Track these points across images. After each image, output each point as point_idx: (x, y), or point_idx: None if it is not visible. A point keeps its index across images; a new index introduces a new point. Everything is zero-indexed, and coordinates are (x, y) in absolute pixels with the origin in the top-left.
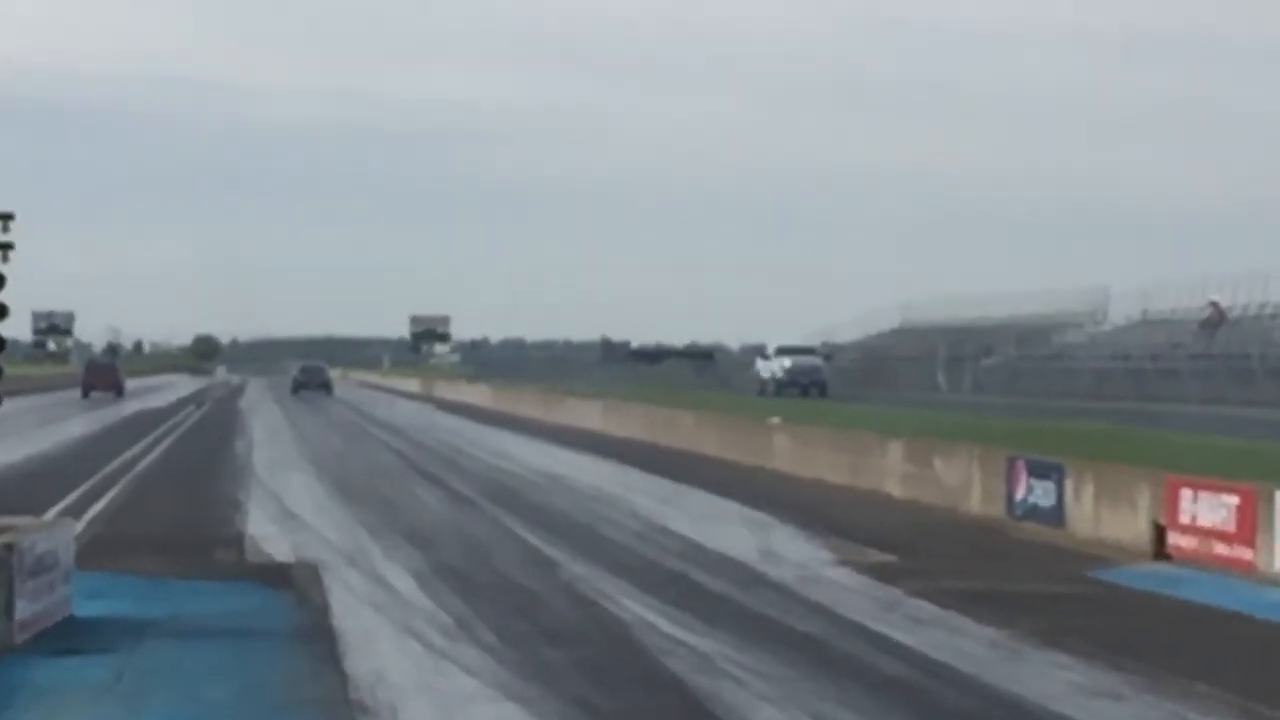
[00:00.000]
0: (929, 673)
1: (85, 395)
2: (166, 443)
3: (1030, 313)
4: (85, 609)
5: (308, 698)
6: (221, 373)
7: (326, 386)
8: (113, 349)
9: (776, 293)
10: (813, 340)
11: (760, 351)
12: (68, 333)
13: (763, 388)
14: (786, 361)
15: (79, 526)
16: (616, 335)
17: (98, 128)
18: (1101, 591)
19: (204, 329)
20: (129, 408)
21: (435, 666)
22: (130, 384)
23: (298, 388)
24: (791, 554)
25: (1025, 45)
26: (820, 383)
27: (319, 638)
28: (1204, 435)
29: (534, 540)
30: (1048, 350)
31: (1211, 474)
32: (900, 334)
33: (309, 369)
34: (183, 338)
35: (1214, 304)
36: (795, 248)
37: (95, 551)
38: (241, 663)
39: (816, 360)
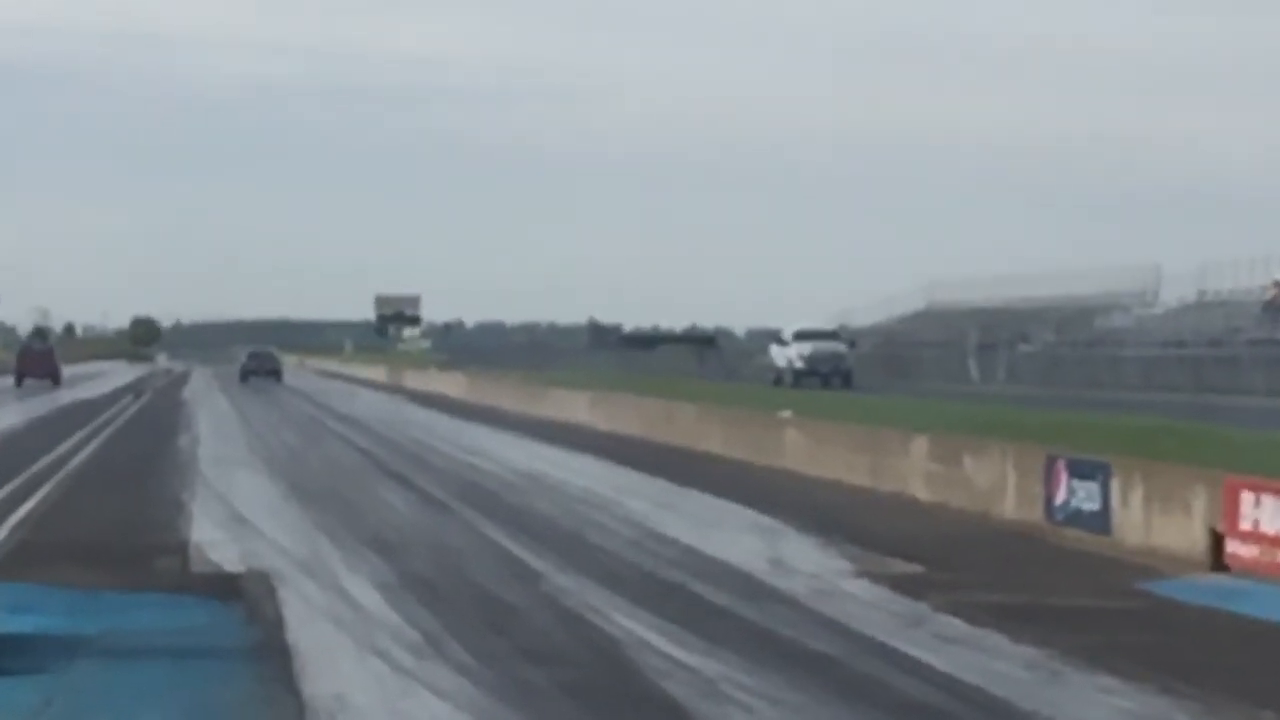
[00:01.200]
0: (958, 697)
1: (19, 383)
2: (102, 437)
3: (1072, 294)
4: (9, 624)
5: None
6: (163, 360)
7: (276, 374)
8: (41, 332)
9: (786, 271)
10: (827, 325)
11: (775, 336)
12: None
13: (778, 377)
14: (806, 348)
15: (2, 533)
16: (606, 318)
17: (23, 85)
18: (1152, 606)
19: (143, 310)
20: (59, 398)
21: (402, 688)
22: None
23: (246, 375)
24: (804, 564)
25: None
26: (844, 372)
27: (272, 656)
28: (1267, 431)
29: (514, 548)
30: (1091, 336)
31: (1276, 475)
32: (925, 317)
33: (257, 355)
34: (119, 320)
35: (1278, 284)
36: (807, 220)
37: (21, 560)
38: (186, 684)
39: (840, 346)
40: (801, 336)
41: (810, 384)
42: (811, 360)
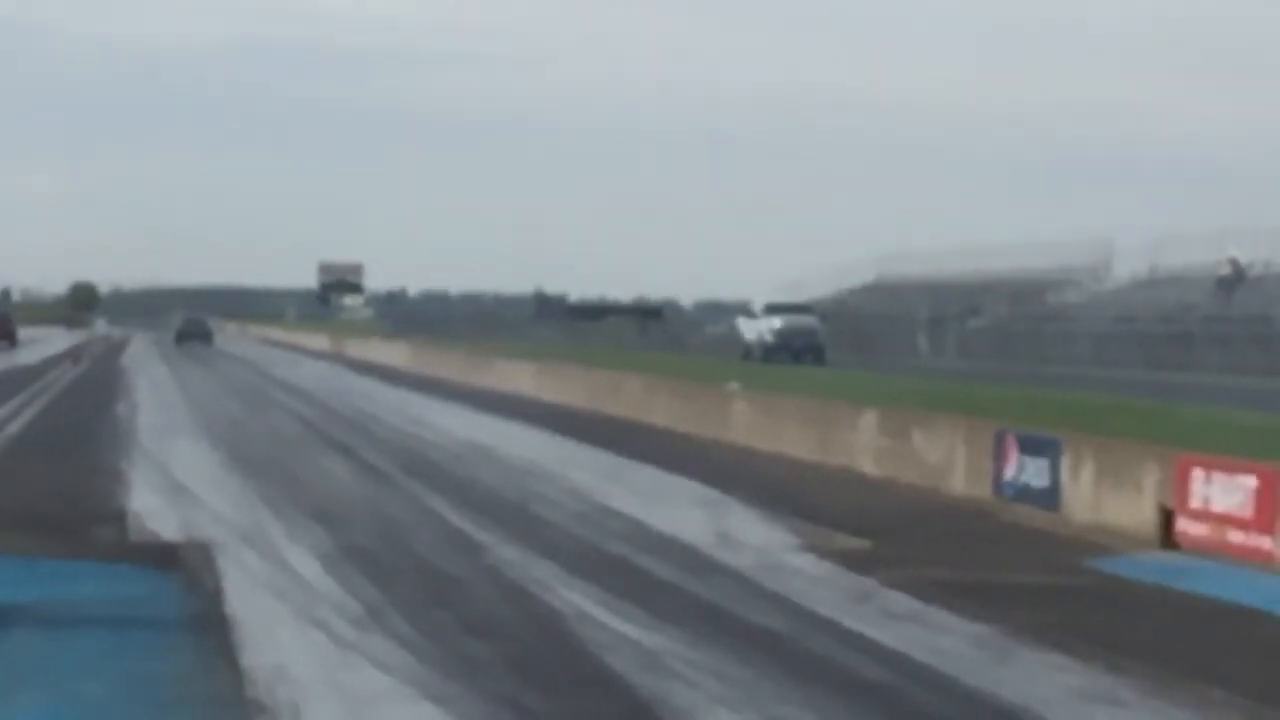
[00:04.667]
0: (906, 674)
1: None
2: (37, 405)
3: (1023, 268)
4: None
5: (198, 695)
6: (101, 325)
7: (207, 337)
8: None
9: (735, 242)
10: (776, 297)
11: (744, 309)
12: None
13: (747, 351)
14: (776, 321)
15: None
16: (552, 288)
17: None
18: (1101, 583)
19: (82, 275)
20: None
21: (343, 661)
22: None
23: (181, 339)
24: (750, 538)
25: None
26: (817, 346)
27: (211, 627)
28: (1219, 408)
29: (457, 519)
30: (1043, 311)
31: (1227, 452)
32: (875, 290)
33: (192, 320)
34: (57, 285)
35: (1232, 260)
36: (755, 190)
37: None
38: (123, 655)
39: (812, 321)
40: (772, 310)
41: (781, 358)
42: (782, 334)
